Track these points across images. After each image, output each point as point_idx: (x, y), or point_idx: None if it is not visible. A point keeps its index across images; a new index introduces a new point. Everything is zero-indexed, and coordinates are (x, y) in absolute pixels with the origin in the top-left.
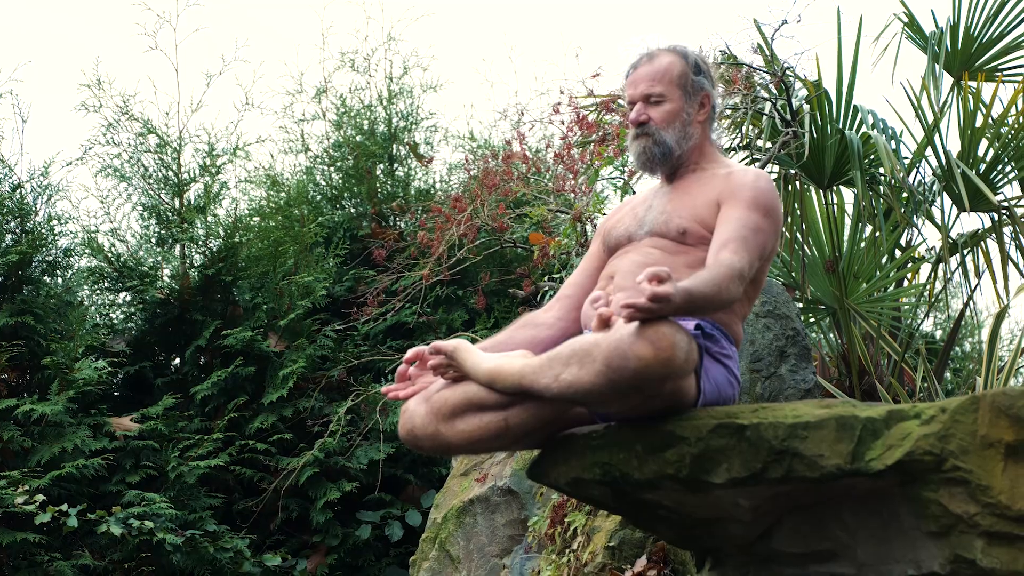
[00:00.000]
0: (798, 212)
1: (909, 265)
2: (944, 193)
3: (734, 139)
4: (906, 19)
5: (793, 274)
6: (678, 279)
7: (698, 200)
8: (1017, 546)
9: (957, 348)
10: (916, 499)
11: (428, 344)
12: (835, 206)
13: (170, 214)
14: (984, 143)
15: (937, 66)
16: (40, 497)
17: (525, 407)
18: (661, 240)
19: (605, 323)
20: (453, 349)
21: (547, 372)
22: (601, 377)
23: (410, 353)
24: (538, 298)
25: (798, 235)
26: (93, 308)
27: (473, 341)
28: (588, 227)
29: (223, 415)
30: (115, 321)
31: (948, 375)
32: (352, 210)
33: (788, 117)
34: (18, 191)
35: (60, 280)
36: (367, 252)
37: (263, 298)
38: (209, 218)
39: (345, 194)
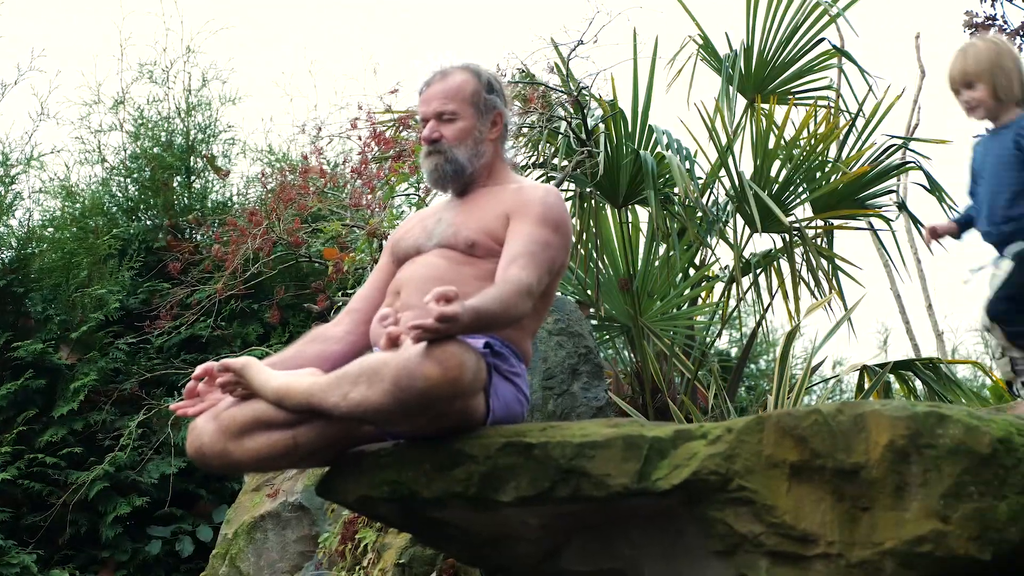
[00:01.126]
0: (593, 230)
1: (703, 284)
2: (737, 214)
3: (530, 157)
4: (701, 41)
5: (588, 291)
6: (467, 294)
7: (487, 213)
8: (801, 565)
9: (752, 366)
10: (702, 518)
11: (219, 360)
12: (630, 225)
13: None
14: (777, 164)
15: (731, 88)
16: None
17: (313, 425)
18: (449, 252)
19: (394, 343)
20: (242, 367)
21: (335, 391)
22: (389, 397)
23: (199, 370)
24: (331, 313)
25: (593, 253)
26: None
27: (265, 356)
28: (383, 242)
29: (12, 428)
30: None
31: (743, 392)
32: (148, 222)
33: (583, 136)
34: None
35: None
36: (162, 265)
37: (55, 310)
38: (1, 228)
39: (141, 206)
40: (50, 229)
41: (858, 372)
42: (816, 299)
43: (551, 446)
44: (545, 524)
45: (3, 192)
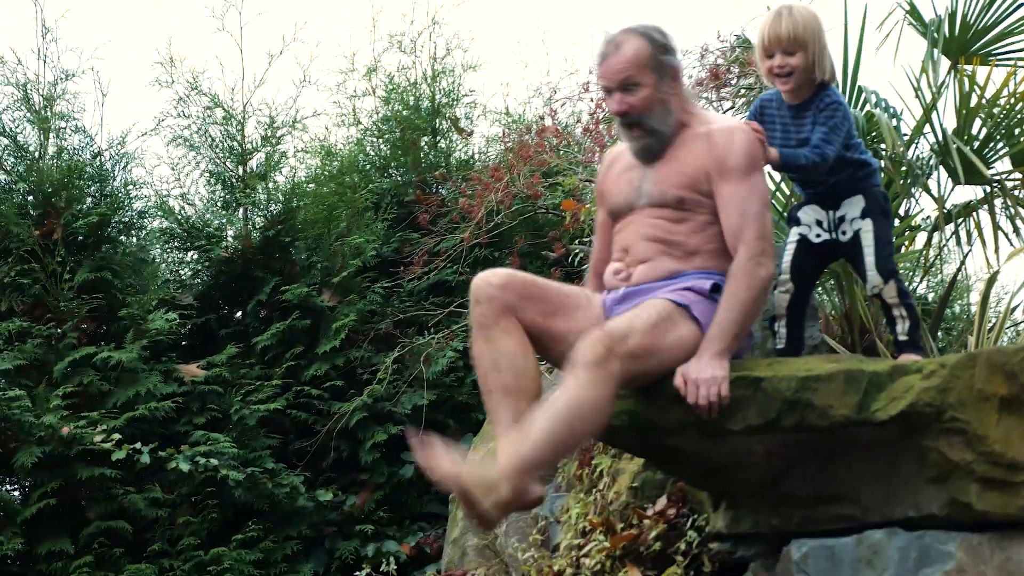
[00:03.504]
0: None
1: (907, 233)
2: (940, 167)
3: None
4: (908, 7)
5: None
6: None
7: (687, 167)
8: (1008, 492)
9: (948, 310)
10: (917, 447)
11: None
12: None
13: (234, 180)
14: (978, 122)
15: (936, 51)
16: (116, 436)
17: None
18: (661, 210)
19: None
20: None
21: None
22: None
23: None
24: (568, 259)
25: None
26: (164, 265)
27: None
28: None
29: (281, 363)
30: (184, 277)
31: (940, 334)
32: (399, 178)
33: None
34: (98, 159)
35: (135, 239)
36: (412, 216)
37: (318, 257)
38: (270, 184)
39: (392, 163)
40: (312, 185)
41: None
42: (1014, 247)
43: (777, 379)
44: (770, 452)
45: (271, 151)
